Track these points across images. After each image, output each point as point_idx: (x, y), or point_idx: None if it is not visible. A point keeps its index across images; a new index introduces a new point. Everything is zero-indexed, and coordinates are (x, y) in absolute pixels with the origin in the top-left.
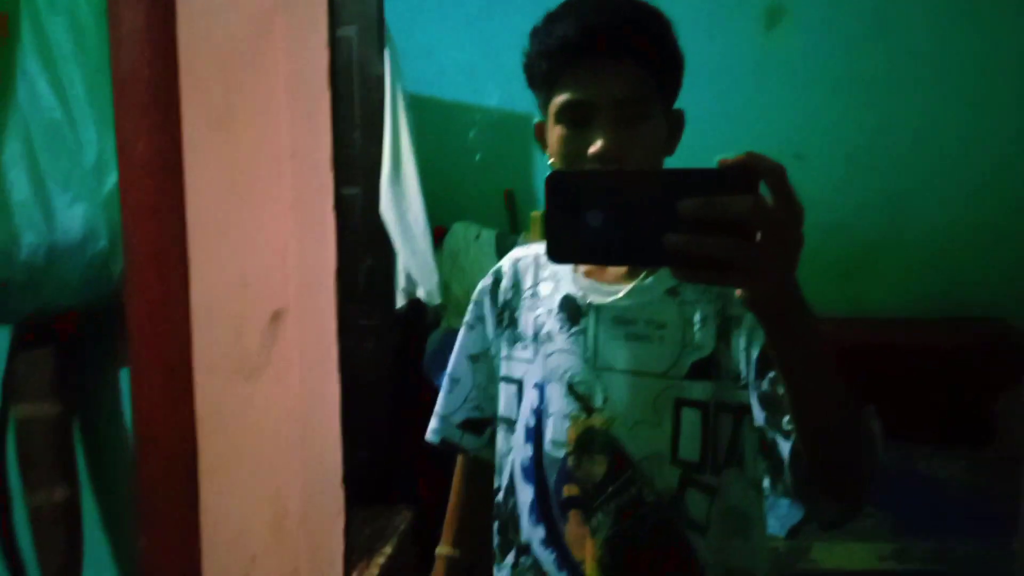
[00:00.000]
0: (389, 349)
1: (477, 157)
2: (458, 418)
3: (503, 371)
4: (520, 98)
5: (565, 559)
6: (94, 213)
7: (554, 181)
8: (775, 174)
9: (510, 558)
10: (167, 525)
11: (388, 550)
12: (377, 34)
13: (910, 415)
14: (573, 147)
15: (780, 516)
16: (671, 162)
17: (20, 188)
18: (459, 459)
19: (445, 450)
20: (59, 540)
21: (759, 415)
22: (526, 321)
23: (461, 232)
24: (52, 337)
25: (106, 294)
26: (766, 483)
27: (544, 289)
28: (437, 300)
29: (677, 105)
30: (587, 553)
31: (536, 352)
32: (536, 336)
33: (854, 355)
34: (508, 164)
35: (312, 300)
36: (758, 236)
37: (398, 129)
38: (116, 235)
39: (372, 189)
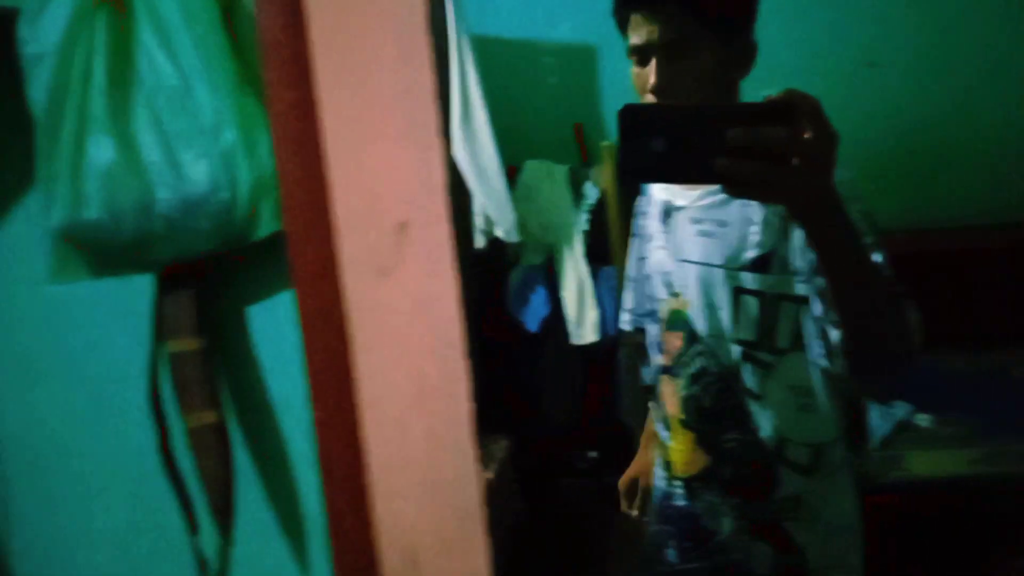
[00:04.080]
0: (472, 288)
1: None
2: (640, 310)
3: (645, 268)
4: (583, 31)
5: (663, 413)
6: (215, 167)
7: (625, 114)
8: (810, 107)
9: (658, 411)
10: (332, 399)
11: (489, 475)
12: None
13: (1000, 320)
14: (640, 82)
15: (872, 428)
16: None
17: (151, 150)
18: (628, 338)
19: (635, 335)
20: (214, 455)
21: (816, 306)
22: (649, 224)
23: (533, 170)
24: (189, 280)
25: (232, 238)
26: (824, 363)
27: (656, 196)
28: (515, 238)
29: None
30: (672, 409)
31: (650, 249)
32: (648, 235)
33: (938, 262)
34: (575, 98)
35: (429, 211)
36: (795, 160)
37: (465, 72)
38: (236, 185)
39: (444, 133)
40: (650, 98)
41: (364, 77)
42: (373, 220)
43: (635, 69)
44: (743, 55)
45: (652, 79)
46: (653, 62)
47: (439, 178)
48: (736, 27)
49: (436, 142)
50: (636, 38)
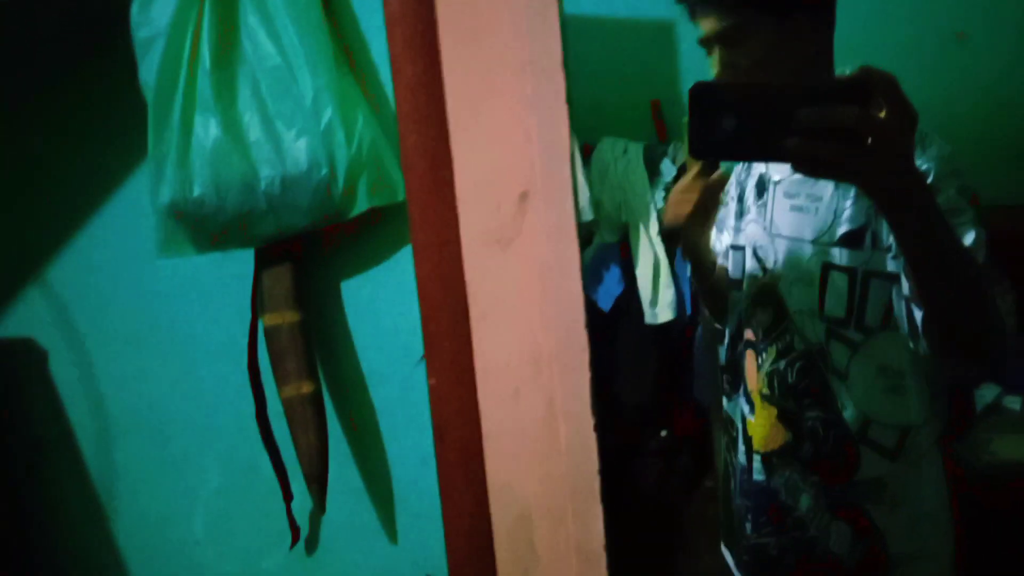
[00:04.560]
0: None
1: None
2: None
3: (733, 240)
4: (658, 6)
5: (746, 390)
6: (315, 145)
7: (696, 92)
8: (886, 85)
9: (741, 390)
10: (449, 365)
11: None
12: None
13: None
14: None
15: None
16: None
17: (254, 129)
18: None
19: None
20: (310, 426)
21: (905, 284)
22: (745, 197)
23: (608, 147)
24: (287, 256)
25: (329, 214)
26: (911, 343)
27: (754, 169)
28: (589, 216)
29: None
30: (754, 384)
31: (745, 221)
32: (743, 206)
33: None
34: (653, 75)
35: (552, 182)
36: (869, 140)
37: None
38: (334, 163)
39: (569, 102)
40: None
41: (491, 46)
42: (494, 190)
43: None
44: (813, 28)
45: (715, 70)
46: (715, 54)
47: (563, 148)
48: (792, 4)
49: (562, 112)
50: (700, 29)
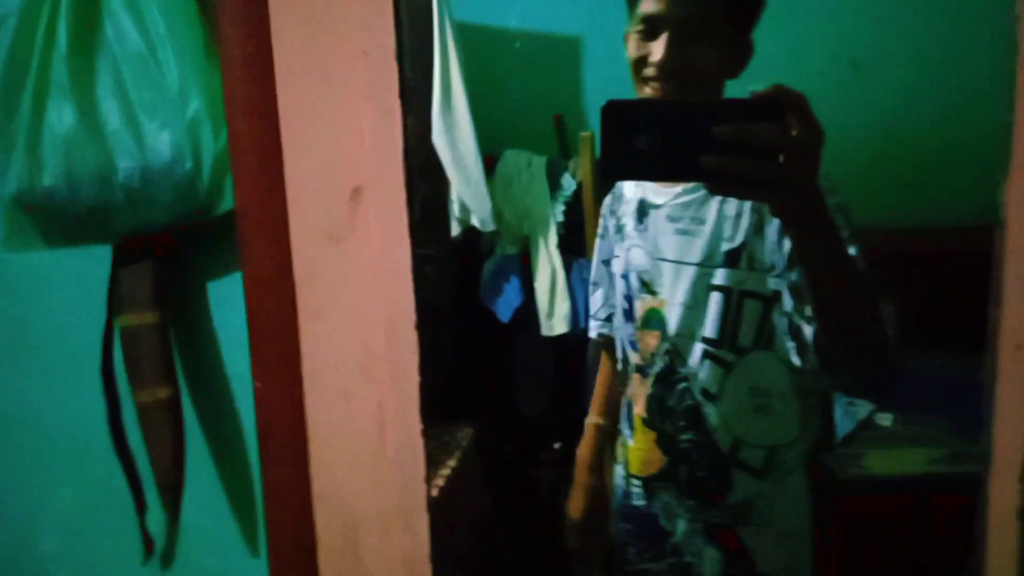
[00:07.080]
0: (447, 276)
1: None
2: (603, 314)
3: (615, 268)
4: (566, 22)
5: (629, 414)
6: (179, 137)
7: (609, 109)
8: (798, 104)
9: (626, 409)
10: (275, 368)
11: (452, 463)
12: None
13: (975, 323)
14: (641, 55)
15: (834, 426)
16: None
17: (113, 118)
18: (595, 346)
19: (604, 343)
20: (165, 433)
21: (787, 302)
22: (625, 223)
23: (512, 159)
24: (148, 253)
25: (193, 211)
26: (795, 360)
27: (630, 194)
28: (491, 227)
29: None
30: (638, 408)
31: (623, 247)
32: (622, 234)
33: (918, 264)
34: (556, 89)
35: (386, 177)
36: (781, 158)
37: (447, 57)
38: (200, 157)
39: (424, 119)
40: (649, 72)
41: (323, 35)
42: (326, 184)
43: (636, 40)
44: (743, 54)
45: (659, 54)
46: (663, 37)
47: (397, 143)
48: (749, 20)
49: (396, 105)
50: (651, 5)
